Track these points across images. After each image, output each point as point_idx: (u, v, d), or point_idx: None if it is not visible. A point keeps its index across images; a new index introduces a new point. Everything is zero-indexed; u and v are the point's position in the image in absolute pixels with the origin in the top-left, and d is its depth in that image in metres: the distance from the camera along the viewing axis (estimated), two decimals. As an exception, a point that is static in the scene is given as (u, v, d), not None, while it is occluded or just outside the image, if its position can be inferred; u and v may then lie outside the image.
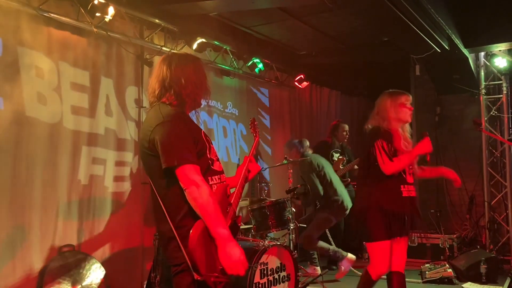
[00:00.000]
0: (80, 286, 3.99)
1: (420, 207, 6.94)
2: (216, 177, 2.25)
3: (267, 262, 3.85)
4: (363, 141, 5.57)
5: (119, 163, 4.60)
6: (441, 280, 5.23)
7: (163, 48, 4.94)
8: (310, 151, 5.31)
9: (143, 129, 2.21)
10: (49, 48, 3.98)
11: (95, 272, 4.14)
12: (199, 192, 2.04)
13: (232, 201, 2.29)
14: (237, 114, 6.26)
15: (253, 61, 5.93)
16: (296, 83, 6.98)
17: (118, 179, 4.56)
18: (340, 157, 6.09)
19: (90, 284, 4.07)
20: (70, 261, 4.04)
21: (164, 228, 2.16)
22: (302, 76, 6.92)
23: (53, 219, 4.00)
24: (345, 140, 6.43)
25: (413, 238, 6.34)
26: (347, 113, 9.02)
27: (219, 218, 2.07)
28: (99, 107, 4.42)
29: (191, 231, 2.03)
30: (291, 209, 4.64)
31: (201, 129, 2.30)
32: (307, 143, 5.36)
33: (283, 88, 7.26)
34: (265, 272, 3.83)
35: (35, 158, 3.84)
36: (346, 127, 6.43)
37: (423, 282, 5.26)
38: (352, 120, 9.12)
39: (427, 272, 5.34)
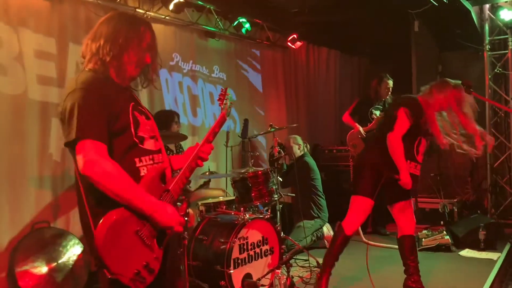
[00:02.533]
0: (55, 263, 3.85)
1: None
2: (147, 157, 1.96)
3: (247, 237, 3.66)
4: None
5: (95, 135, 4.36)
6: (438, 248, 5.03)
7: (138, 10, 4.59)
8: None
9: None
10: (6, 14, 3.68)
11: (73, 248, 3.99)
12: (95, 168, 1.75)
13: (170, 187, 1.99)
14: (225, 78, 5.95)
15: (239, 21, 5.55)
16: (289, 44, 6.60)
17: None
18: (381, 114, 5.52)
19: (67, 261, 3.92)
20: (45, 238, 3.88)
21: (81, 212, 1.91)
22: (295, 35, 6.54)
23: (23, 195, 3.82)
24: (387, 96, 5.68)
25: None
26: (348, 73, 8.65)
27: (132, 188, 1.81)
28: (68, 76, 4.14)
29: (100, 221, 1.75)
30: (277, 179, 4.41)
31: (133, 102, 1.99)
32: (308, 146, 5.63)
33: (276, 49, 6.88)
34: (244, 246, 3.64)
35: (-1, 131, 3.62)
36: (390, 83, 5.66)
37: (419, 250, 5.01)
38: (352, 80, 8.77)
39: (423, 239, 5.14)
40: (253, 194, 4.01)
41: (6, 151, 3.68)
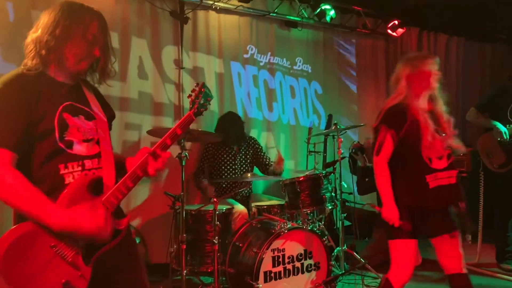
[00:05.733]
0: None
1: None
2: (75, 163, 1.75)
3: (283, 248, 3.28)
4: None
5: (157, 129, 4.38)
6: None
7: (205, 1, 4.46)
8: None
9: None
10: (68, 11, 3.84)
11: (130, 240, 4.07)
12: None
13: (104, 198, 1.74)
14: (309, 71, 5.52)
15: (321, 8, 5.06)
16: (389, 31, 5.87)
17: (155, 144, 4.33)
18: None
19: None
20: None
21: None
22: (396, 21, 5.79)
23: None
24: None
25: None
26: (475, 64, 7.44)
27: (34, 201, 1.61)
28: (130, 69, 4.21)
29: (5, 233, 1.59)
30: (340, 185, 3.92)
31: (68, 101, 1.78)
32: None
33: (377, 38, 6.20)
34: (280, 259, 3.27)
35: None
36: None
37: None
38: (482, 71, 7.53)
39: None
40: (301, 201, 3.60)
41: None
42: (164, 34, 4.37)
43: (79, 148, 1.78)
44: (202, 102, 1.99)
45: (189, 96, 1.99)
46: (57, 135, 1.73)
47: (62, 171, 1.73)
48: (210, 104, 2.02)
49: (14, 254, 1.59)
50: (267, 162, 4.51)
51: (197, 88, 1.99)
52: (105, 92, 3.88)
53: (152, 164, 1.83)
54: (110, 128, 1.98)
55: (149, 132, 3.56)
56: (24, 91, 1.72)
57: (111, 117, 2.02)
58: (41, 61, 1.78)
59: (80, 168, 1.77)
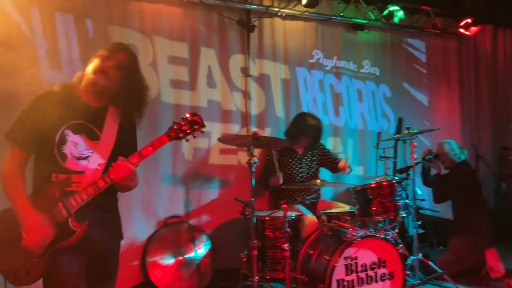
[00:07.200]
0: (183, 258, 4.06)
1: None
2: (64, 176, 2.00)
3: (356, 257, 3.21)
4: None
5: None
6: None
7: (271, 9, 4.49)
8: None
9: None
10: (141, 24, 4.01)
11: (202, 245, 4.16)
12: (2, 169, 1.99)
13: (65, 199, 1.97)
14: (377, 74, 5.39)
15: (389, 10, 4.93)
16: (462, 30, 5.61)
17: (224, 152, 4.42)
18: None
19: (194, 257, 4.09)
20: (176, 232, 4.13)
21: None
22: (469, 20, 5.52)
23: (158, 192, 4.11)
24: None
25: None
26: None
27: (13, 191, 1.98)
28: (200, 79, 4.31)
29: None
30: (414, 192, 3.78)
31: (79, 120, 2.04)
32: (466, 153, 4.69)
33: (448, 38, 5.94)
34: (353, 267, 3.20)
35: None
36: None
37: None
38: None
39: None
40: (373, 208, 3.51)
41: (142, 149, 4.02)
42: (232, 43, 4.45)
43: (70, 163, 2.02)
44: (184, 128, 2.08)
45: (175, 122, 2.10)
46: (56, 147, 2.01)
47: (53, 179, 2.00)
48: (201, 132, 2.12)
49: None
50: (334, 160, 4.45)
51: (187, 117, 2.11)
52: (176, 101, 4.09)
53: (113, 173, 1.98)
54: (116, 159, 2.02)
55: (219, 140, 3.62)
56: (47, 107, 2.03)
57: (126, 152, 2.07)
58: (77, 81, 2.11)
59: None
